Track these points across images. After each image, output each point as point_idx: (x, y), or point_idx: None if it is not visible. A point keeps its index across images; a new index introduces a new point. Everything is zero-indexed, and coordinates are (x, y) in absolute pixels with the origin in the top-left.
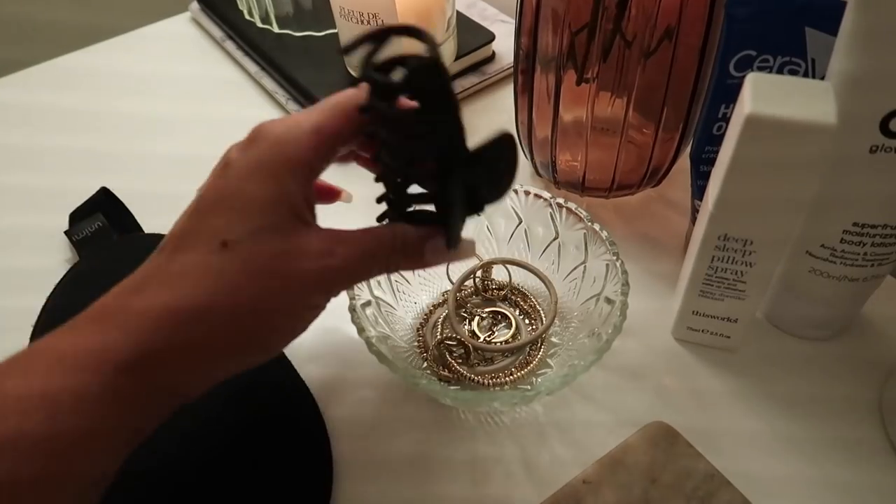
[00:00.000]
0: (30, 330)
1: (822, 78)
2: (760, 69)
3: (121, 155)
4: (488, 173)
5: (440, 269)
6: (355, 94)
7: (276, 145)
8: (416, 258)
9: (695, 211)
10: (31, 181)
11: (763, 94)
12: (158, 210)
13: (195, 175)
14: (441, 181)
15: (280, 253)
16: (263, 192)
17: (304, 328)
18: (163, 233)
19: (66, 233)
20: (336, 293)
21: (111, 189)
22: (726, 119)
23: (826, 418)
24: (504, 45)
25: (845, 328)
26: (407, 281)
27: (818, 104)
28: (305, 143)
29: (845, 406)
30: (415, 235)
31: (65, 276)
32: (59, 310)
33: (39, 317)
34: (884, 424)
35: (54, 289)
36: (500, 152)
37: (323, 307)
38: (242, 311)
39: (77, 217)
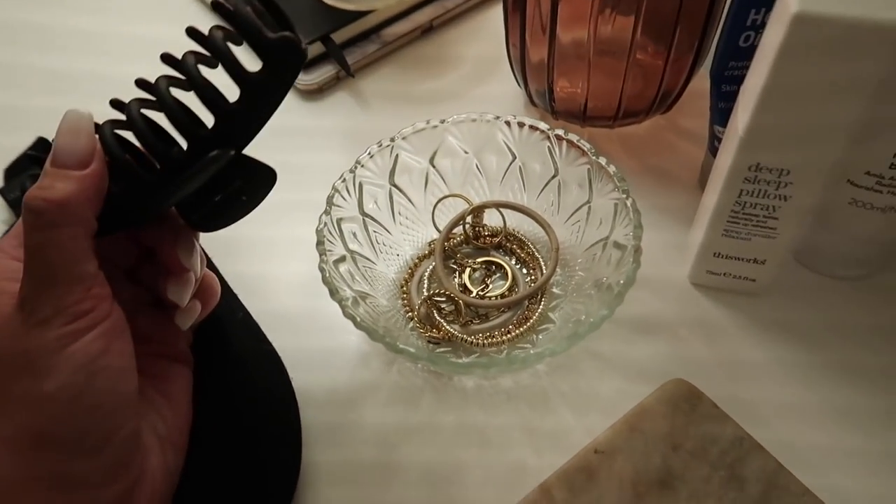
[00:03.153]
0: None
1: None
2: None
3: (61, 95)
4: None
5: (425, 217)
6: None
7: None
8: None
9: (714, 138)
10: None
11: None
12: None
13: None
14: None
15: None
16: None
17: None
18: None
19: None
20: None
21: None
22: (756, 27)
23: (864, 370)
24: None
25: (883, 267)
26: (387, 231)
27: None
28: None
29: (885, 357)
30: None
31: None
32: None
33: None
34: None
35: None
36: (255, 184)
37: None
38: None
39: (11, 173)
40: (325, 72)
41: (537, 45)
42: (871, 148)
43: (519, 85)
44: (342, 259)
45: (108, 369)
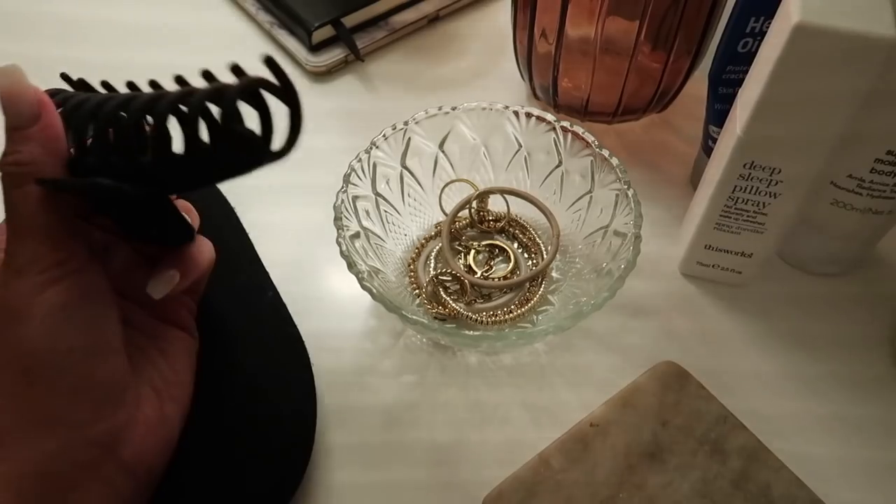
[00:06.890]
0: None
1: None
2: None
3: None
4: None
5: (432, 200)
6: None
7: None
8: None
9: (708, 138)
10: None
11: (813, 2)
12: None
13: None
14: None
15: None
16: None
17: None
18: None
19: None
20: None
21: None
22: (755, 34)
23: (838, 355)
24: None
25: (858, 264)
26: (397, 211)
27: (875, 15)
28: None
29: (857, 342)
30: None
31: None
32: None
33: None
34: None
35: None
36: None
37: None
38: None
39: None
40: (335, 55)
41: (545, 40)
42: (855, 153)
43: (523, 78)
44: (357, 235)
45: (82, 317)
